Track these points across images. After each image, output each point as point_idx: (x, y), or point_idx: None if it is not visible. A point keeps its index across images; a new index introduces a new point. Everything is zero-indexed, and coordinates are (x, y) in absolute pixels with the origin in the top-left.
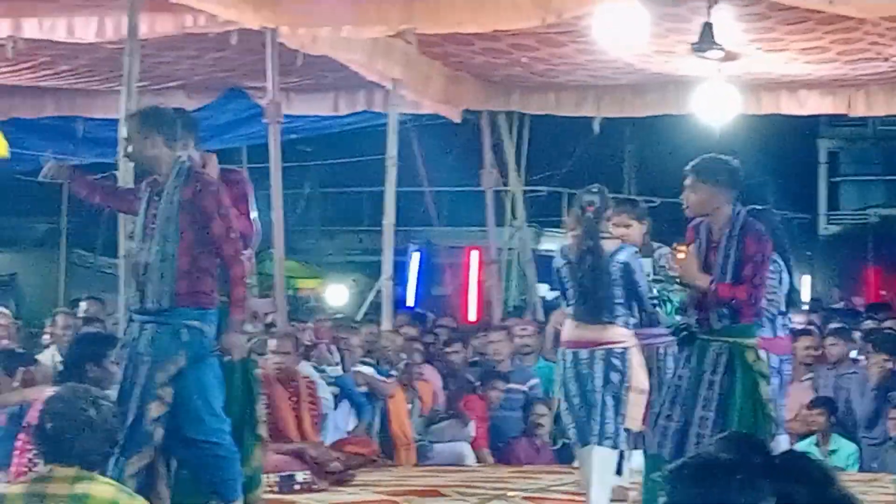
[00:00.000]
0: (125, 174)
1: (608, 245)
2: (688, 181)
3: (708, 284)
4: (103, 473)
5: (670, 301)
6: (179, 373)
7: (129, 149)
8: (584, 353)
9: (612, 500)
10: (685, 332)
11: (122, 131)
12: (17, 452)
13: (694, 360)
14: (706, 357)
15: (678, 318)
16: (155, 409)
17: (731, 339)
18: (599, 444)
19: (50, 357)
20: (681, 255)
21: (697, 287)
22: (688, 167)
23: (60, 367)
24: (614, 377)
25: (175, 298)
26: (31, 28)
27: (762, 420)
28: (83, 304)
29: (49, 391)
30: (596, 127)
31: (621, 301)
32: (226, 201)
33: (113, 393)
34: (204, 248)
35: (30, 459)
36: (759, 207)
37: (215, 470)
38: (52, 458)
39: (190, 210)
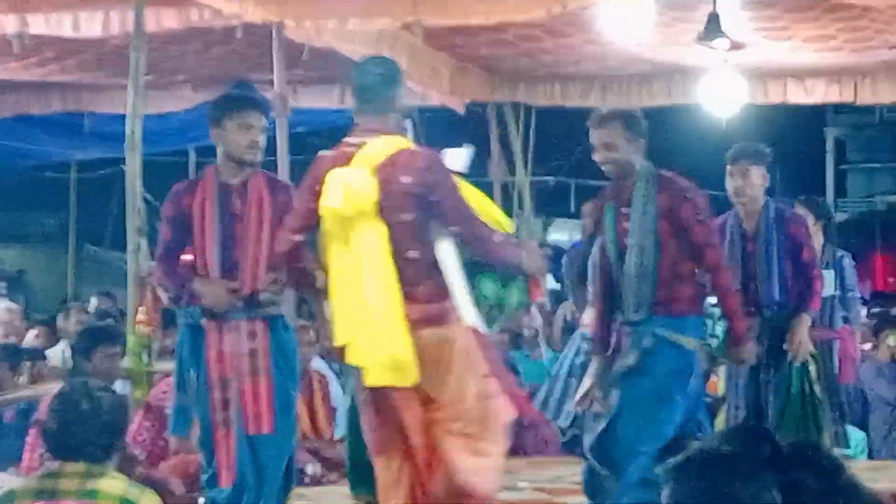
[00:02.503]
0: (132, 171)
1: None
2: (738, 167)
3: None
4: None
5: None
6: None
7: (611, 155)
8: None
9: None
10: None
11: (595, 136)
12: (27, 448)
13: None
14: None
15: None
16: None
17: None
18: None
19: (60, 352)
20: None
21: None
22: (736, 152)
23: (71, 363)
24: None
25: (652, 308)
26: (38, 23)
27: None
28: (94, 300)
29: (55, 388)
30: None
31: None
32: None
33: (120, 385)
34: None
35: (41, 455)
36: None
37: None
38: (57, 453)
39: (668, 218)
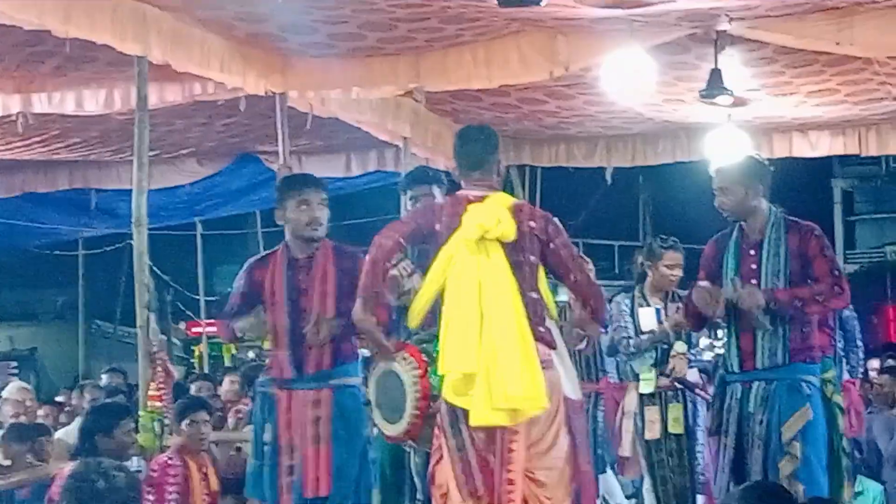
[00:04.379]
0: (139, 247)
1: None
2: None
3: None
4: None
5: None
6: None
7: (725, 200)
8: None
9: None
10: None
11: (717, 181)
12: None
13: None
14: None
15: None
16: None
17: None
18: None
19: (75, 431)
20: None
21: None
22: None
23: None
24: None
25: (790, 354)
26: (41, 103)
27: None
28: (104, 377)
29: (70, 466)
30: (608, 177)
31: None
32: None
33: (132, 463)
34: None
35: None
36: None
37: None
38: None
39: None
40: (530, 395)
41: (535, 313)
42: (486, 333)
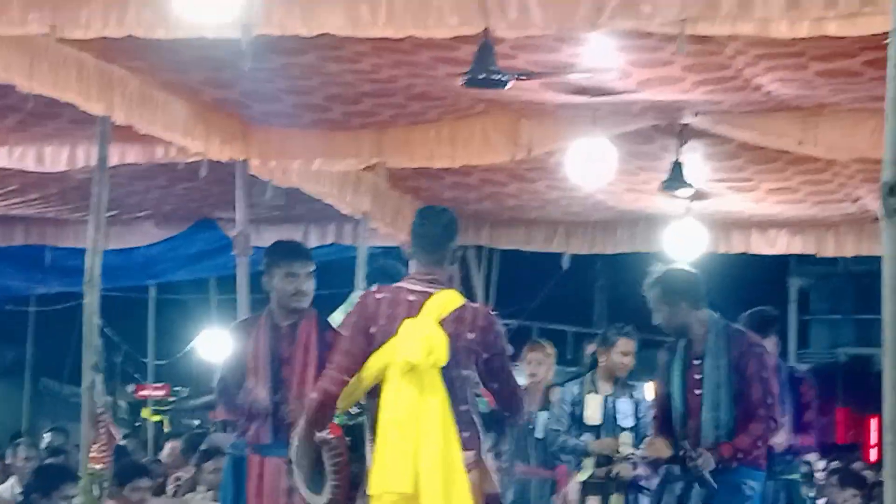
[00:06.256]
0: (90, 307)
1: None
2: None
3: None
4: None
5: None
6: None
7: (660, 318)
8: None
9: None
10: None
11: (649, 300)
12: None
13: None
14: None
15: None
16: None
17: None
18: None
19: (10, 488)
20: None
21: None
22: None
23: (20, 499)
24: None
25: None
26: (1, 157)
27: None
28: (46, 436)
29: None
30: (565, 262)
31: None
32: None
33: None
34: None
35: None
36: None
37: None
38: None
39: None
40: None
41: (463, 423)
42: (420, 457)
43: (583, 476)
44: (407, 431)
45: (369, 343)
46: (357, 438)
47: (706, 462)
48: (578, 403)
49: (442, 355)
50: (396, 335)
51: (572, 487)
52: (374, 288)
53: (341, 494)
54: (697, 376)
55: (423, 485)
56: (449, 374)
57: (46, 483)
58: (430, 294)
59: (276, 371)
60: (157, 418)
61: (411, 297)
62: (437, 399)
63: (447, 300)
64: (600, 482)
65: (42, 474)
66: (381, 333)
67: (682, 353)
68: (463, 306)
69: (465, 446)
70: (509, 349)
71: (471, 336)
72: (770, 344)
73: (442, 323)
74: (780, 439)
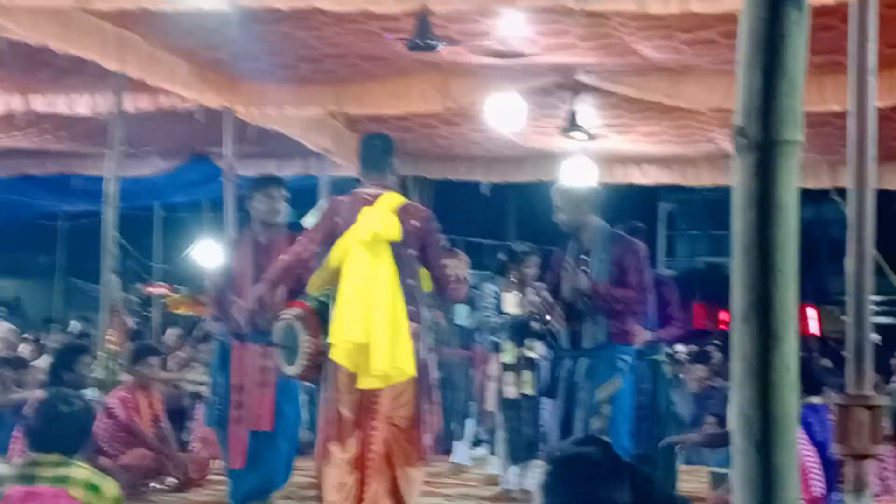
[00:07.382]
0: (108, 222)
1: None
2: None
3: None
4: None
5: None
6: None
7: (562, 217)
8: None
9: None
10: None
11: (555, 199)
12: (13, 441)
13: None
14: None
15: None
16: (596, 423)
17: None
18: None
19: (45, 362)
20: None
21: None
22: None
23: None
24: None
25: (610, 337)
26: (38, 102)
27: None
28: (73, 322)
29: (40, 393)
30: (485, 189)
31: None
32: (645, 259)
33: (90, 392)
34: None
35: (24, 446)
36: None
37: None
38: (36, 446)
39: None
40: (400, 365)
41: (409, 296)
42: (372, 314)
43: (506, 357)
44: (362, 292)
45: (335, 227)
46: (325, 317)
47: (581, 281)
48: (498, 297)
49: (396, 231)
50: (357, 222)
51: (493, 366)
52: (337, 195)
53: (311, 362)
54: (585, 268)
55: (373, 336)
56: (398, 251)
57: (70, 358)
58: (380, 194)
59: (256, 279)
60: (183, 309)
61: (367, 196)
62: (389, 268)
63: (395, 198)
64: (514, 363)
65: (66, 351)
66: (344, 222)
67: (573, 248)
68: (407, 203)
69: (411, 317)
70: (444, 241)
71: (415, 223)
72: None
73: (395, 212)
74: (640, 310)
